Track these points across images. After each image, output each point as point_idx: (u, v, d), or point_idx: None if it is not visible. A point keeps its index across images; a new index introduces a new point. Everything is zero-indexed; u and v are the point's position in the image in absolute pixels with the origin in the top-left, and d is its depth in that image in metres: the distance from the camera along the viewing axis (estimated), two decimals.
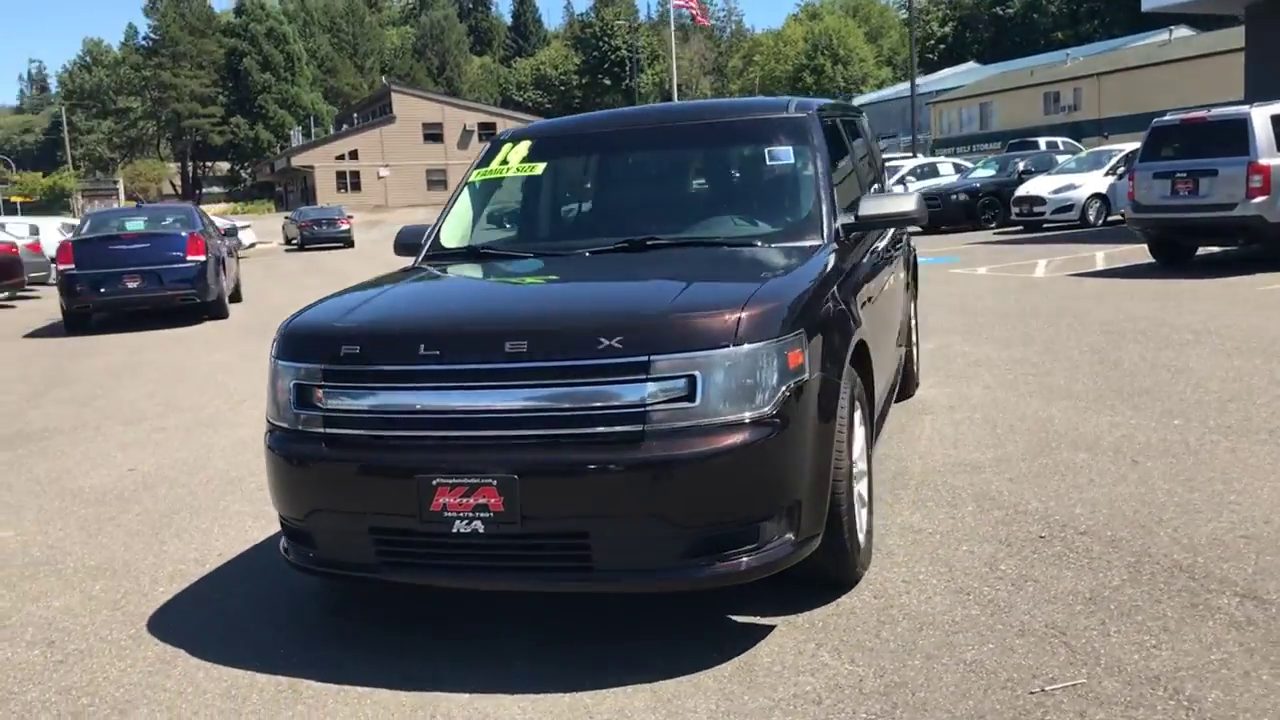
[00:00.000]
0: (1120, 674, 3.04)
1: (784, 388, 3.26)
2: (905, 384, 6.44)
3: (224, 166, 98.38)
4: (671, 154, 5.03)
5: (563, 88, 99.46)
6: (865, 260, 4.64)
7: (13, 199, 59.54)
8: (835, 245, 4.23)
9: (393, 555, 3.42)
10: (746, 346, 3.20)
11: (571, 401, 3.20)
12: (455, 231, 4.91)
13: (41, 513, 5.54)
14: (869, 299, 4.47)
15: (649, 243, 4.32)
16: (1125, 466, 4.95)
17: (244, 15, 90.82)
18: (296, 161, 73.34)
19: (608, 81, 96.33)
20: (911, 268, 6.94)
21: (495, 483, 3.18)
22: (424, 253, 4.82)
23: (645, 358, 3.16)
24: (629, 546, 3.21)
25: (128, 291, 14.29)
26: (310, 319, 3.78)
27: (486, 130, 68.68)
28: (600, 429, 3.18)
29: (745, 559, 3.23)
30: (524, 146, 5.02)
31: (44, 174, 77.03)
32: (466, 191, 5.05)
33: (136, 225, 15.56)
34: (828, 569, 3.67)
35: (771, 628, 3.53)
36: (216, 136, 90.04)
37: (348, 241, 38.14)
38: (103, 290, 14.19)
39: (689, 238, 4.44)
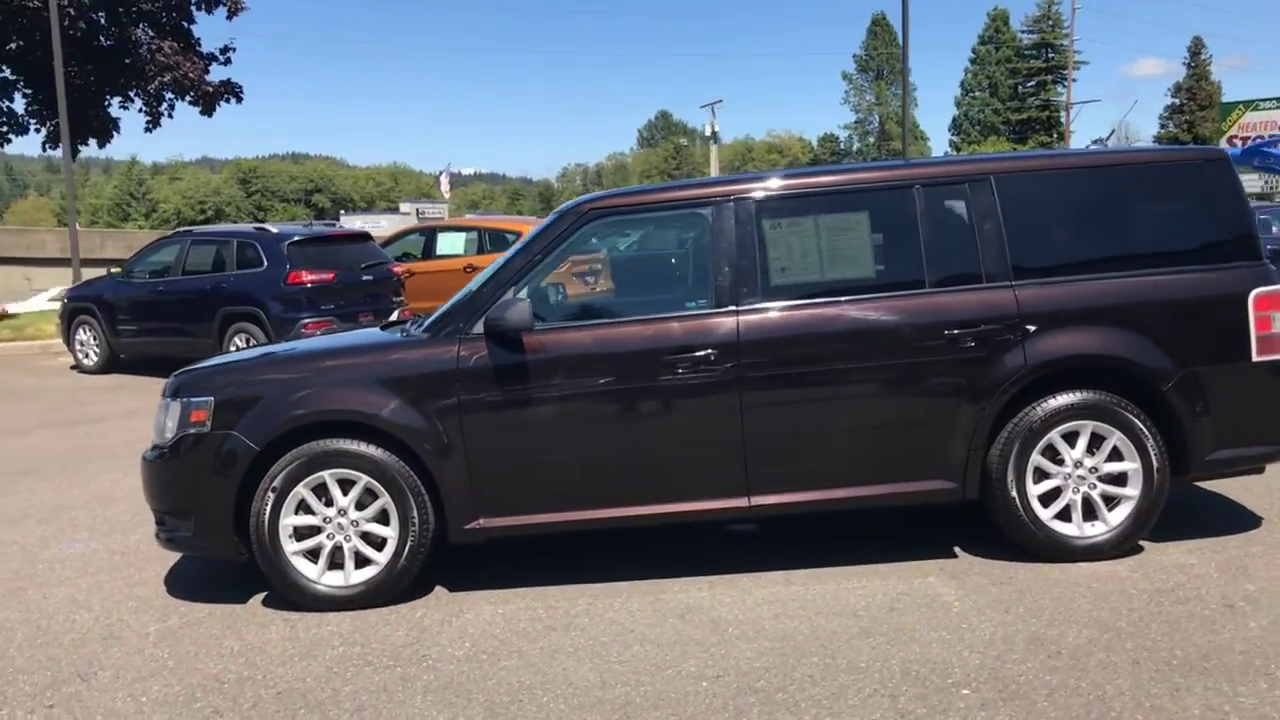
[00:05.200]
0: None
1: (183, 433, 4.85)
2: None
3: None
4: None
5: None
6: (517, 371, 4.72)
7: None
8: (440, 341, 4.78)
9: None
10: (170, 400, 4.94)
11: None
12: None
13: None
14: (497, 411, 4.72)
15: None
16: None
17: None
18: None
19: None
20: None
21: None
22: None
23: None
24: None
25: None
26: None
27: None
28: None
29: (163, 535, 4.99)
30: None
31: None
32: None
33: None
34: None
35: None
36: None
37: None
38: None
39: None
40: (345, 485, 4.76)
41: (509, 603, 4.75)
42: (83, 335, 13.38)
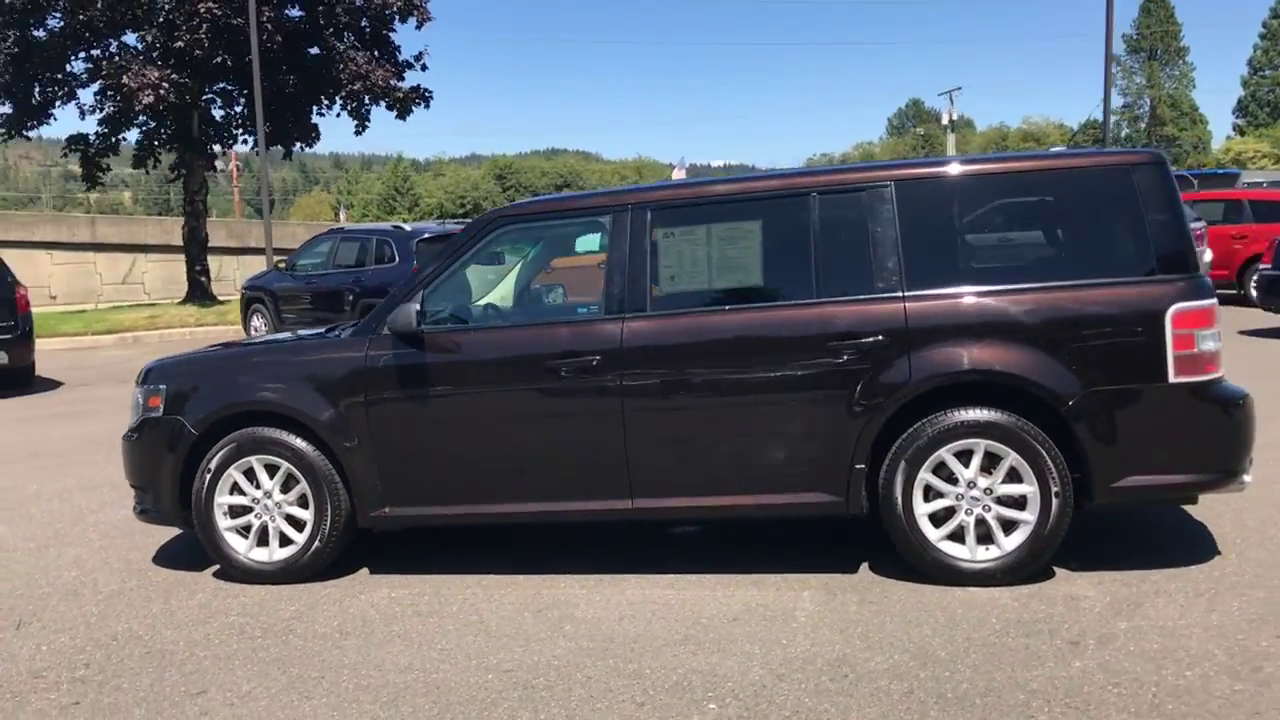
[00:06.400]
0: None
1: (144, 416, 5.46)
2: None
3: None
4: None
5: None
6: (422, 370, 5.00)
7: None
8: (354, 342, 5.17)
9: None
10: (138, 387, 5.57)
11: None
12: None
13: None
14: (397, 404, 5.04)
15: None
16: None
17: None
18: None
19: None
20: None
21: None
22: None
23: None
24: None
25: None
26: None
27: None
28: None
29: (137, 507, 5.63)
30: None
31: None
32: None
33: None
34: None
35: None
36: None
37: None
38: None
39: None
40: (271, 470, 5.21)
41: (407, 587, 5.06)
42: (256, 321, 14.81)
